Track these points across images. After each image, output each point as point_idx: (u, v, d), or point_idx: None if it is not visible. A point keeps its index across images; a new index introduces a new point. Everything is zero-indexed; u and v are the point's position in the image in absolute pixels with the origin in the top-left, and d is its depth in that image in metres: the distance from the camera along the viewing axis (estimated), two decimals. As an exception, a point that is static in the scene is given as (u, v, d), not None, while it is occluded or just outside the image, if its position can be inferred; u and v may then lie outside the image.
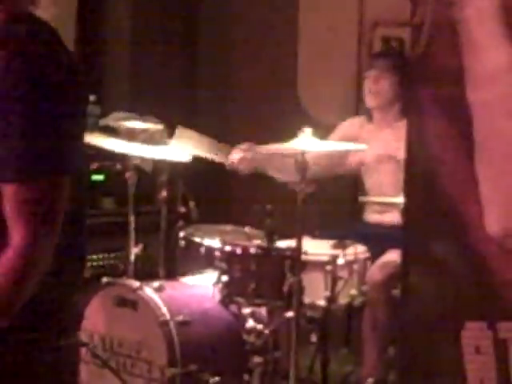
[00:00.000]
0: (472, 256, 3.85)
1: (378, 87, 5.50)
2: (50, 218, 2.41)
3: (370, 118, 5.67)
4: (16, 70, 2.35)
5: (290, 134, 4.59)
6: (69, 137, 2.48)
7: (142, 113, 5.63)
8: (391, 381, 4.86)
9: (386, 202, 5.27)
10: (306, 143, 4.61)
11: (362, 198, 5.48)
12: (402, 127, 5.17)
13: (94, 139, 5.17)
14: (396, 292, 4.72)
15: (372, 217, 5.57)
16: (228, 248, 4.80)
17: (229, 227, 5.42)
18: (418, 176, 4.11)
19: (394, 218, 5.14)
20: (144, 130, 5.44)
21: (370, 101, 5.57)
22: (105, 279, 5.01)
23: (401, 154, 5.07)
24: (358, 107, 6.13)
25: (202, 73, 7.28)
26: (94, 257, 5.55)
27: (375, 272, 5.12)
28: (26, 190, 2.38)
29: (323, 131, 4.86)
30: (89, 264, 5.52)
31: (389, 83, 5.42)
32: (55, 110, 2.42)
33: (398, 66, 5.39)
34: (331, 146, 4.93)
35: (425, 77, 4.05)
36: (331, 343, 4.99)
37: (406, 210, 4.26)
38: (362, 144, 5.33)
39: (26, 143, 2.38)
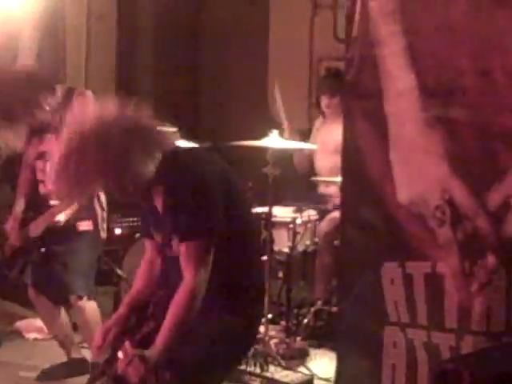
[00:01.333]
0: (388, 217, 3.90)
1: (331, 102, 5.53)
2: (206, 263, 2.77)
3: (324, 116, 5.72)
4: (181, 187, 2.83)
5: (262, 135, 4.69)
6: (216, 217, 2.84)
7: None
8: (334, 302, 4.90)
9: (328, 180, 5.30)
10: (275, 141, 4.74)
11: (312, 178, 5.51)
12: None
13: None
14: (337, 242, 4.78)
15: (322, 189, 5.64)
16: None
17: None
18: (350, 162, 4.12)
19: (334, 190, 5.23)
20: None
21: (325, 109, 5.63)
22: (137, 235, 5.12)
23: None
24: (309, 115, 6.16)
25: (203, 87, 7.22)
26: (131, 219, 5.42)
27: (324, 225, 5.20)
28: (193, 246, 2.77)
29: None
30: (127, 224, 5.46)
31: (336, 99, 5.45)
32: (211, 207, 2.84)
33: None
34: (291, 144, 4.98)
35: (355, 95, 4.06)
36: (293, 277, 5.10)
37: (343, 186, 4.29)
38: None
39: (193, 222, 2.79)
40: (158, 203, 2.95)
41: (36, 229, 4.29)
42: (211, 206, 2.84)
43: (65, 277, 4.37)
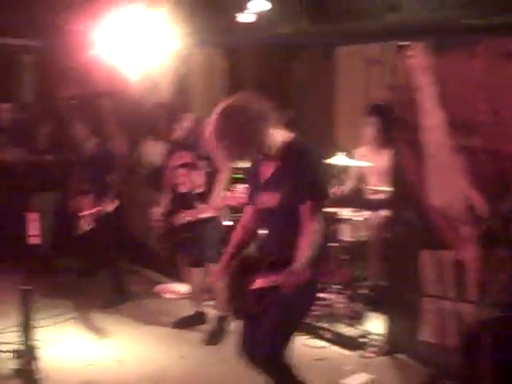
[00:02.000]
0: (424, 216, 3.91)
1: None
2: (321, 216, 2.83)
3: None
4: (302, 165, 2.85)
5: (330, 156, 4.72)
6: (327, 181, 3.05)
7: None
8: (384, 279, 4.76)
9: (378, 188, 5.14)
10: (340, 160, 4.78)
11: (367, 188, 5.34)
12: (383, 152, 5.10)
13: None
14: (385, 234, 4.72)
15: (371, 195, 5.41)
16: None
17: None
18: (397, 177, 4.16)
19: (380, 196, 5.15)
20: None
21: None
22: None
23: (382, 166, 5.03)
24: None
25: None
26: (239, 214, 5.20)
27: (375, 219, 5.06)
28: (316, 204, 2.83)
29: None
30: (235, 218, 5.00)
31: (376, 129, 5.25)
32: (324, 172, 2.98)
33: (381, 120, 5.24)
34: (352, 162, 4.95)
35: (400, 128, 4.08)
36: (354, 259, 5.00)
37: (392, 194, 4.30)
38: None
39: (317, 186, 2.85)
40: (266, 173, 2.98)
41: (180, 220, 4.43)
42: (327, 177, 3.04)
43: (200, 250, 4.50)
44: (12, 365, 2.26)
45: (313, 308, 4.07)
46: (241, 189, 4.46)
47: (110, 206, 5.21)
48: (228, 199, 4.34)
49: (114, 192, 5.25)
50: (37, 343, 2.28)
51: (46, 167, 6.21)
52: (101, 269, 5.63)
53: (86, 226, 5.26)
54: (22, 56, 8.03)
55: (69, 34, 5.40)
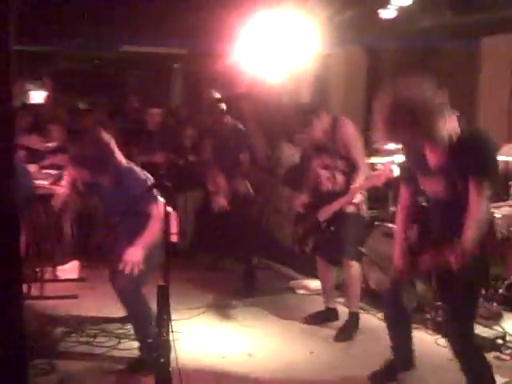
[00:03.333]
0: None
1: None
2: (488, 195, 2.85)
3: None
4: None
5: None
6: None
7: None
8: None
9: None
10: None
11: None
12: None
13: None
14: None
15: None
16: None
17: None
18: None
19: None
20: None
21: None
22: (376, 223, 5.12)
23: None
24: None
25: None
26: (373, 211, 5.09)
27: None
28: (483, 182, 2.81)
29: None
30: (370, 214, 5.02)
31: None
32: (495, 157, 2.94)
33: None
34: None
35: None
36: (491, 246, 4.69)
37: None
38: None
39: (486, 165, 2.84)
40: (434, 159, 2.97)
41: (324, 215, 4.38)
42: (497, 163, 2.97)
43: (341, 246, 4.43)
44: (148, 356, 2.40)
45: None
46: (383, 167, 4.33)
47: (241, 185, 5.36)
48: (372, 178, 4.25)
49: (244, 171, 5.38)
50: (171, 336, 2.39)
51: (190, 168, 6.50)
52: (237, 263, 5.79)
53: (220, 203, 5.43)
54: (171, 64, 8.50)
55: (213, 41, 5.60)
